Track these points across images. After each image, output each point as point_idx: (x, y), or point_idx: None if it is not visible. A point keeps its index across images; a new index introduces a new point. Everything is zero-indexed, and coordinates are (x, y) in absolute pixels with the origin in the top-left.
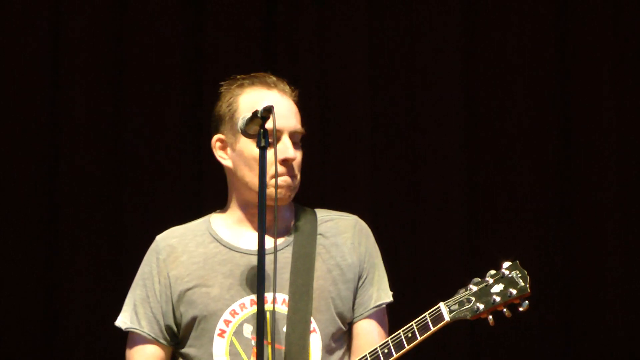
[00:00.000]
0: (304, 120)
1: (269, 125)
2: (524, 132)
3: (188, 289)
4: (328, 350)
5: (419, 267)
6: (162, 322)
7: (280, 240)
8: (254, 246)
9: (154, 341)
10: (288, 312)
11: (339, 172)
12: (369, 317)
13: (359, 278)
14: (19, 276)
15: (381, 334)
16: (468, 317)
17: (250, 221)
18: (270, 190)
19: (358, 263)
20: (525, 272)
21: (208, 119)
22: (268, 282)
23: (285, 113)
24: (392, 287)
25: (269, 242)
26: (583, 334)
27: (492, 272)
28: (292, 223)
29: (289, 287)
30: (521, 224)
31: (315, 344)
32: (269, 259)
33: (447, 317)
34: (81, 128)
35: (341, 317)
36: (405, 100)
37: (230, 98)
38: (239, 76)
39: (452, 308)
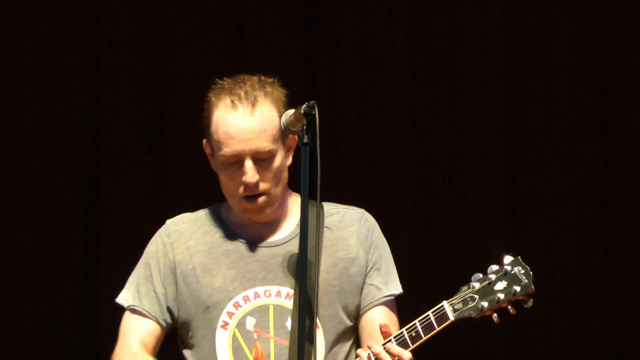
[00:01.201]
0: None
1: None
2: (564, 130)
3: (192, 276)
4: (332, 346)
5: (457, 270)
6: (163, 304)
7: (286, 233)
8: (259, 237)
9: (153, 319)
10: (293, 306)
11: (378, 172)
12: (377, 307)
13: (365, 270)
14: (58, 271)
15: (391, 324)
16: (473, 316)
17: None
18: (243, 208)
19: (364, 256)
20: (528, 268)
21: None
22: (272, 276)
23: (245, 135)
24: (430, 284)
25: (277, 234)
26: (625, 331)
27: (494, 267)
28: (299, 216)
29: (292, 281)
30: (561, 223)
31: (319, 339)
32: (272, 252)
33: (451, 317)
34: (122, 123)
35: (346, 311)
36: (445, 101)
37: (208, 109)
38: (219, 83)
39: (456, 307)
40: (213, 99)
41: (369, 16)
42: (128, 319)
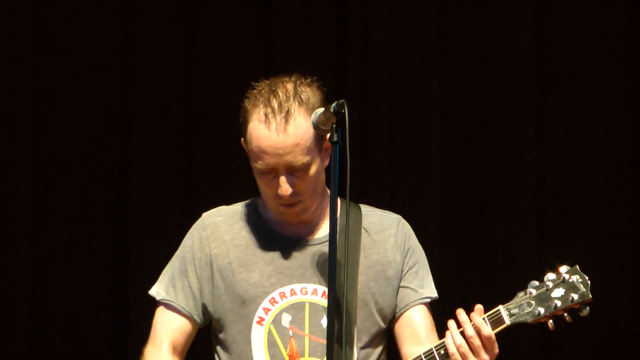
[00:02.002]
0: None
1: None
2: (596, 130)
3: (228, 270)
4: (365, 347)
5: (488, 271)
6: (199, 300)
7: (324, 232)
8: (295, 232)
9: (187, 316)
10: (328, 305)
11: (406, 171)
12: (413, 308)
13: (402, 274)
14: (90, 265)
15: (427, 325)
16: (529, 321)
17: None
18: (280, 213)
19: (400, 260)
20: (586, 277)
21: None
22: (308, 273)
23: (278, 151)
24: (462, 287)
25: (316, 233)
26: None
27: (551, 276)
28: (337, 216)
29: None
30: (593, 225)
31: (355, 340)
32: (310, 250)
33: (507, 321)
34: (153, 118)
35: (381, 313)
36: (475, 99)
37: (244, 114)
38: (255, 88)
39: (512, 312)
40: (249, 107)
41: (400, 13)
42: (162, 315)
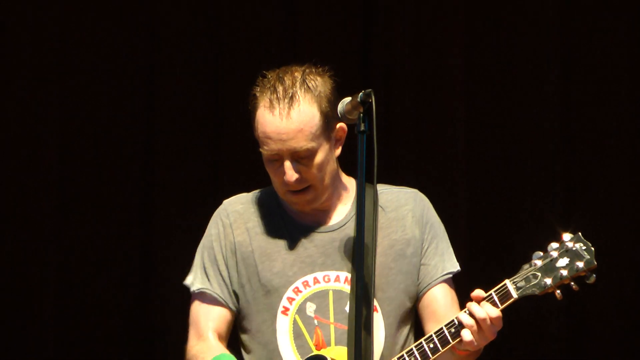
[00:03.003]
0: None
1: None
2: (621, 128)
3: (251, 258)
4: (392, 329)
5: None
6: (230, 287)
7: (341, 217)
8: (316, 220)
9: (224, 304)
10: (350, 291)
11: (433, 171)
12: (437, 285)
13: (421, 250)
14: (115, 255)
15: (452, 301)
16: (537, 293)
17: None
18: (290, 201)
19: (419, 236)
20: (590, 244)
21: None
22: (329, 261)
23: (282, 136)
24: (485, 265)
25: (333, 219)
26: None
27: (555, 245)
28: (353, 198)
29: (350, 265)
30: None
31: (378, 323)
32: (329, 237)
33: (514, 295)
34: (176, 113)
35: (406, 292)
36: (500, 94)
37: (251, 104)
38: (265, 76)
39: (518, 285)
40: (257, 94)
41: (426, 10)
42: (199, 306)
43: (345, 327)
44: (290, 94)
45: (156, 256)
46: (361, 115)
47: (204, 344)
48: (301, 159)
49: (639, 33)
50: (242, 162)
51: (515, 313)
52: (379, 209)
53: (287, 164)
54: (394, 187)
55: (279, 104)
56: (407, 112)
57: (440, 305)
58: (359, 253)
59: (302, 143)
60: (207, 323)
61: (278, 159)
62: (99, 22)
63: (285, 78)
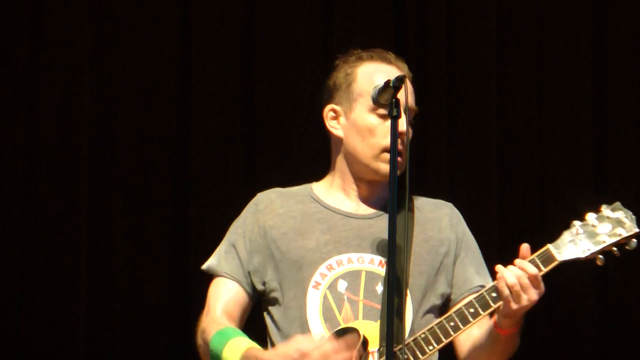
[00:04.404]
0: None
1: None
2: None
3: (284, 239)
4: (418, 316)
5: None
6: (245, 268)
7: (379, 207)
8: (353, 211)
9: (237, 283)
10: (385, 273)
11: (465, 164)
12: (475, 294)
13: (455, 255)
14: (150, 243)
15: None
16: (580, 258)
17: (350, 192)
18: (379, 165)
19: (455, 240)
20: (630, 212)
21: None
22: (365, 244)
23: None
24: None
25: (365, 208)
26: None
27: (594, 214)
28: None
29: (386, 251)
30: None
31: (408, 308)
32: (366, 223)
33: (559, 258)
34: (212, 97)
35: (434, 286)
36: (532, 86)
37: (348, 69)
38: (356, 50)
39: (561, 249)
40: (354, 61)
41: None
42: (213, 287)
43: (374, 304)
44: (400, 60)
45: (190, 243)
46: (393, 100)
47: (209, 318)
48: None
49: None
50: (275, 150)
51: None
52: (416, 209)
53: (404, 117)
54: (430, 198)
55: (396, 61)
56: (439, 115)
57: None
58: (390, 238)
59: (414, 105)
60: (217, 302)
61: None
62: (130, 6)
63: (383, 50)
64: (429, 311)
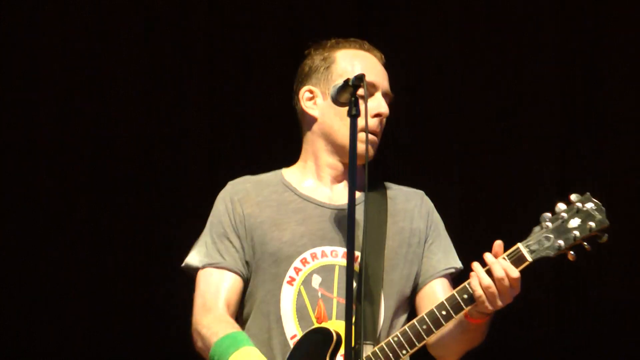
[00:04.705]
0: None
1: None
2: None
3: (260, 229)
4: (390, 312)
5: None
6: (243, 257)
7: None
8: (327, 199)
9: (237, 273)
10: (360, 268)
11: (427, 172)
12: (439, 278)
13: (425, 243)
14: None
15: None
16: (551, 255)
17: (324, 176)
18: (358, 148)
19: (424, 230)
20: (600, 203)
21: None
22: (339, 237)
23: (380, 73)
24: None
25: (341, 197)
26: None
27: (563, 206)
28: (363, 182)
29: (361, 244)
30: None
31: (380, 304)
32: (341, 214)
33: (529, 258)
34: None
35: (407, 279)
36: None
37: (325, 52)
38: (331, 39)
39: (532, 248)
40: (331, 45)
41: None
42: (207, 279)
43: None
44: (371, 46)
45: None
46: (353, 99)
47: (212, 315)
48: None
49: None
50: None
51: None
52: (388, 199)
53: (381, 97)
54: (402, 186)
55: (372, 50)
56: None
57: (439, 298)
58: (349, 228)
59: (389, 88)
60: (216, 295)
61: (369, 94)
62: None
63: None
64: (401, 305)
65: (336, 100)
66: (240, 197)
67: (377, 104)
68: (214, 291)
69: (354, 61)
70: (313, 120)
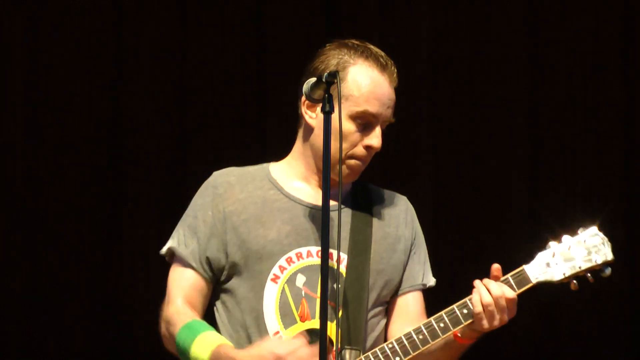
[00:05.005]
0: None
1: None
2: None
3: (244, 227)
4: (375, 317)
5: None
6: (203, 255)
7: (335, 200)
8: (313, 201)
9: (196, 271)
10: (346, 271)
11: (398, 170)
12: (414, 292)
13: (409, 251)
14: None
15: (423, 310)
16: (554, 281)
17: (311, 180)
18: (342, 168)
19: (409, 237)
20: (606, 238)
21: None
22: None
23: (386, 102)
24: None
25: (331, 200)
26: None
27: (569, 237)
28: (350, 188)
29: (347, 247)
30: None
31: (363, 308)
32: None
33: (533, 280)
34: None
35: (389, 284)
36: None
37: (339, 62)
38: (351, 41)
39: (536, 271)
40: (348, 54)
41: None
42: (173, 273)
43: (331, 303)
44: (392, 65)
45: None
46: (326, 95)
47: (172, 308)
48: (383, 129)
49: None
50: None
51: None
52: (373, 203)
53: (379, 130)
54: (385, 189)
55: (388, 69)
56: None
57: (412, 309)
58: (324, 227)
59: (392, 115)
60: (177, 290)
61: (367, 122)
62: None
63: (377, 50)
64: (383, 310)
65: (309, 97)
66: (222, 190)
67: (371, 137)
68: (175, 286)
69: (363, 84)
70: (310, 128)
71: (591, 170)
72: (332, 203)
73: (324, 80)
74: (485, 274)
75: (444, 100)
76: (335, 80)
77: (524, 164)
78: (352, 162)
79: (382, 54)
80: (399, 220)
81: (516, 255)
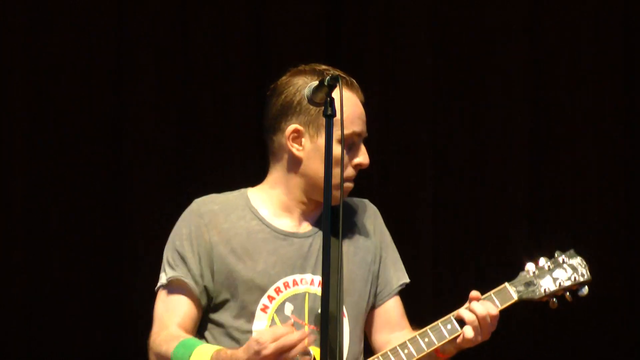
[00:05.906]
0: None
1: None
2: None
3: (231, 257)
4: (355, 335)
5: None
6: (200, 283)
7: (312, 225)
8: (295, 229)
9: (193, 297)
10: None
11: (398, 170)
12: (392, 298)
13: (379, 259)
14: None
15: (403, 312)
16: (535, 298)
17: (293, 209)
18: (337, 193)
19: (377, 244)
20: (583, 259)
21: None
22: (306, 264)
23: (364, 119)
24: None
25: (304, 226)
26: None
27: (548, 259)
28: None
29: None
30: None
31: (345, 326)
32: (307, 241)
33: (515, 296)
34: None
35: (366, 299)
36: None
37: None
38: (305, 68)
39: (518, 288)
40: (310, 78)
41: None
42: (164, 300)
43: (318, 329)
44: (356, 84)
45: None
46: (328, 99)
47: (165, 333)
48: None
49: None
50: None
51: None
52: (343, 220)
53: (364, 147)
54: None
55: (354, 87)
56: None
57: (394, 315)
58: (325, 254)
59: (365, 130)
60: (171, 318)
61: (351, 142)
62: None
63: (335, 70)
64: (361, 327)
65: (311, 100)
66: (207, 220)
67: (359, 155)
68: (170, 315)
69: (351, 109)
70: (296, 160)
71: (592, 170)
72: (309, 228)
73: (325, 84)
74: (485, 273)
75: (444, 100)
76: (337, 84)
77: (524, 166)
78: (346, 184)
79: (342, 73)
80: (368, 230)
81: (515, 256)
